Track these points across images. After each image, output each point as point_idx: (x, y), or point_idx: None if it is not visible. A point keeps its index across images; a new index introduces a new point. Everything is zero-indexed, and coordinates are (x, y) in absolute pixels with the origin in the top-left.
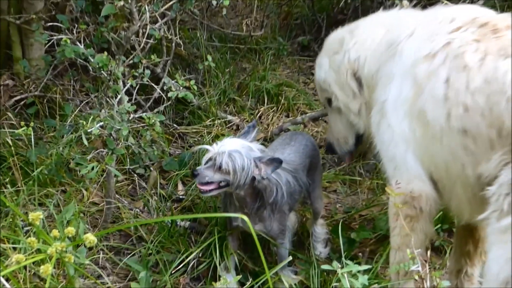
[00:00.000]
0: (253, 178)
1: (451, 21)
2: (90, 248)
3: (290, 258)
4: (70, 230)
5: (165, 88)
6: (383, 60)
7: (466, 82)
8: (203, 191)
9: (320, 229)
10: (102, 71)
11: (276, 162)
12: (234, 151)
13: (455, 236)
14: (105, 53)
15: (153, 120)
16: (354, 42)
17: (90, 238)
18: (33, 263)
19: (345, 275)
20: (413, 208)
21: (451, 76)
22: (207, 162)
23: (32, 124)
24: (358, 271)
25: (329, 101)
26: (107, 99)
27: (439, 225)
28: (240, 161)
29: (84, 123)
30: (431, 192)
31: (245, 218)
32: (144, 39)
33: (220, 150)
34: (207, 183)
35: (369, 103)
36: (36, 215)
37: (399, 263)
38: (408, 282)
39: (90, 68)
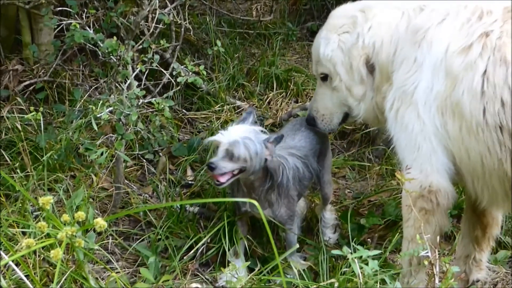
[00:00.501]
0: (265, 160)
1: (486, 12)
2: (99, 234)
3: (297, 246)
4: (81, 214)
5: (174, 73)
6: (403, 44)
7: (505, 76)
8: (219, 184)
9: (329, 215)
10: (111, 56)
11: (279, 139)
12: (246, 139)
13: (463, 222)
14: (114, 38)
15: (162, 106)
16: (369, 27)
17: (101, 222)
18: (43, 248)
19: (355, 260)
20: (429, 201)
21: (489, 69)
22: (218, 152)
23: (41, 109)
24: (368, 256)
25: (325, 77)
26: (116, 84)
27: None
28: (254, 147)
29: (94, 108)
30: (449, 187)
31: (255, 202)
32: (153, 24)
33: (233, 140)
34: (222, 174)
35: (379, 88)
36: (47, 200)
37: (411, 256)
38: (420, 272)
39: (99, 53)
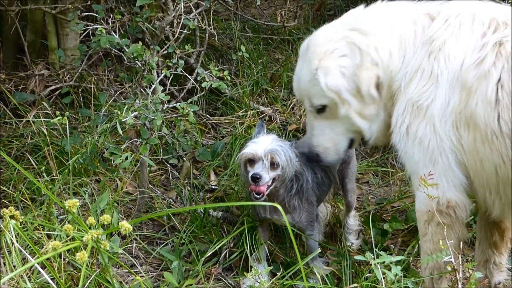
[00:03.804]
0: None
1: (502, 23)
2: (124, 238)
3: (319, 250)
4: (106, 217)
5: (198, 78)
6: (414, 53)
7: None
8: (260, 196)
9: (352, 221)
10: (137, 61)
11: (293, 144)
12: (279, 146)
13: (479, 229)
14: (140, 43)
15: (186, 110)
16: (374, 45)
17: (126, 225)
18: (68, 251)
19: (378, 266)
20: (449, 216)
21: (503, 77)
22: (254, 163)
23: (67, 113)
24: (391, 262)
25: (322, 108)
26: (141, 89)
27: (471, 217)
28: (288, 154)
29: (119, 112)
30: (466, 199)
31: (278, 206)
32: (178, 29)
33: (272, 148)
34: (261, 186)
35: (386, 105)
36: (73, 203)
37: (433, 269)
38: (442, 283)
39: (125, 58)
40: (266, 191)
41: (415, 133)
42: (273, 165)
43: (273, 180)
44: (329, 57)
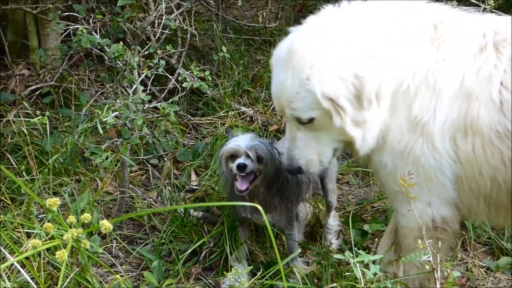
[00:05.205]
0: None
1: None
2: (104, 237)
3: (299, 250)
4: (86, 216)
5: (179, 78)
6: (422, 64)
7: None
8: (244, 190)
9: (332, 221)
10: (118, 61)
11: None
12: (260, 142)
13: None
14: (121, 43)
15: (167, 111)
16: (379, 47)
17: (106, 224)
18: (47, 250)
19: (357, 264)
20: (444, 231)
21: (505, 79)
22: (236, 158)
23: (47, 113)
24: (369, 261)
25: (309, 120)
26: (122, 89)
27: None
28: (269, 149)
29: (99, 112)
30: (457, 213)
31: (259, 206)
32: (160, 30)
33: (254, 143)
34: (246, 178)
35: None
36: (53, 201)
37: (424, 279)
38: None
39: (106, 58)
40: (249, 185)
41: (410, 152)
42: (256, 158)
43: (255, 175)
44: (323, 61)
